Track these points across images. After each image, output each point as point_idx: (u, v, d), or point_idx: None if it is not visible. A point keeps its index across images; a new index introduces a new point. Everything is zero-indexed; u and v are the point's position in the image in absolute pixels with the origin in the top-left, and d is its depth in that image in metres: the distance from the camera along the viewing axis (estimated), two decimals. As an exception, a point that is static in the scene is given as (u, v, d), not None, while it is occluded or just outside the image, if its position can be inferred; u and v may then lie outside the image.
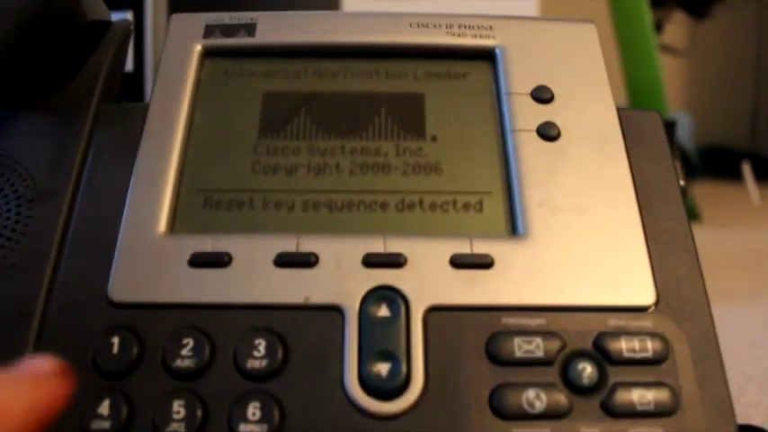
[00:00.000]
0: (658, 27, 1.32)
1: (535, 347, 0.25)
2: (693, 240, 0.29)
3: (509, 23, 0.34)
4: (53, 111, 0.31)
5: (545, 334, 0.25)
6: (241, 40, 0.33)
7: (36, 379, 0.20)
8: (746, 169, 1.19)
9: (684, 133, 1.28)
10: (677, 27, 1.45)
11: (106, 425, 0.24)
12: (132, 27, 0.37)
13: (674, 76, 1.52)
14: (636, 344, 0.25)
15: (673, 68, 1.45)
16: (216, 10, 0.34)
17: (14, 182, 0.29)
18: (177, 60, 0.32)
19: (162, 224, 0.28)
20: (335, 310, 0.26)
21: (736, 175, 1.32)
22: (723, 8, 1.38)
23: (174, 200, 0.28)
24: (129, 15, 0.53)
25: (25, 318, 0.26)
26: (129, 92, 0.54)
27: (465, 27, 0.34)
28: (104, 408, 0.24)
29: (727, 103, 1.67)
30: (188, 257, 0.27)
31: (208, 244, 0.27)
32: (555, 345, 0.25)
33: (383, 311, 0.25)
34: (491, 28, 0.34)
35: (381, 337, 0.25)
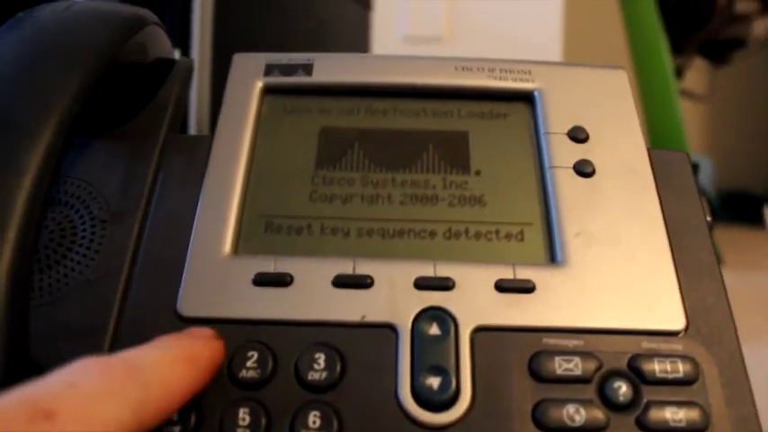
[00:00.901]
0: (679, 73, 1.35)
1: (574, 366, 0.27)
2: (720, 270, 0.30)
3: (546, 68, 0.36)
4: (125, 139, 0.34)
5: (583, 354, 0.27)
6: (299, 79, 0.35)
7: (206, 338, 0.26)
8: (767, 214, 1.21)
9: (705, 178, 1.30)
10: (697, 73, 1.47)
11: (176, 430, 0.26)
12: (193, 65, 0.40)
13: (694, 121, 1.54)
14: (668, 365, 0.27)
15: (693, 114, 1.47)
16: (255, 50, 0.37)
17: (89, 204, 0.32)
18: (240, 96, 0.35)
19: (227, 246, 0.30)
20: (389, 328, 0.28)
21: (756, 220, 1.33)
22: (742, 55, 1.41)
23: (238, 224, 0.31)
24: (177, 53, 0.56)
25: (99, 329, 0.29)
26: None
27: (505, 71, 0.36)
28: (174, 415, 0.26)
29: (746, 148, 1.68)
30: (252, 277, 0.29)
31: (270, 265, 0.29)
32: (592, 365, 0.27)
33: (434, 330, 0.27)
34: (530, 72, 0.36)
35: (433, 354, 0.27)
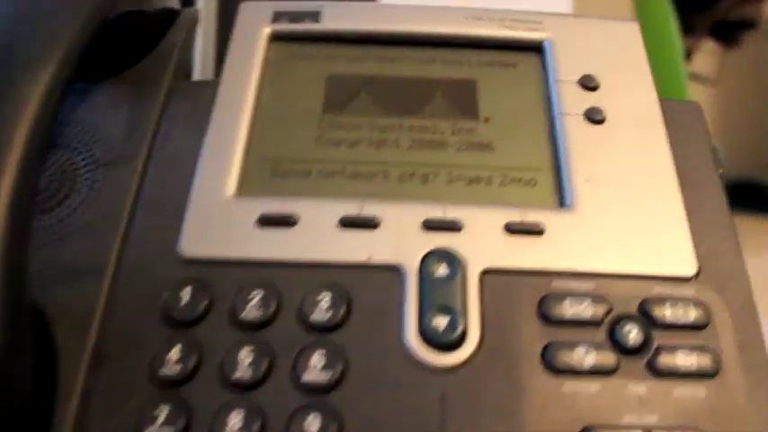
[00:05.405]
0: (688, 55, 1.33)
1: (584, 309, 0.26)
2: (732, 218, 0.30)
3: (557, 19, 0.36)
4: (129, 84, 0.33)
5: (593, 297, 0.27)
6: (306, 26, 0.35)
7: None
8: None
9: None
10: (706, 55, 1.46)
11: (176, 369, 0.25)
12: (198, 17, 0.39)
13: (703, 104, 1.52)
14: (679, 310, 0.27)
15: (701, 97, 1.45)
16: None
17: (91, 146, 0.31)
18: (246, 43, 0.34)
19: (231, 187, 0.29)
20: (396, 270, 0.27)
21: (766, 208, 1.31)
22: (753, 37, 1.40)
23: (243, 166, 0.30)
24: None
25: (99, 270, 0.28)
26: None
27: (516, 21, 0.35)
28: (174, 354, 0.26)
29: (756, 133, 1.67)
30: (256, 218, 0.28)
31: (275, 206, 0.29)
32: (602, 308, 0.26)
33: (442, 270, 0.27)
34: (540, 22, 0.35)
35: (440, 294, 0.26)
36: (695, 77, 1.38)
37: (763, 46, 1.47)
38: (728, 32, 1.40)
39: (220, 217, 0.29)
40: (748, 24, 1.36)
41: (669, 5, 1.12)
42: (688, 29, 1.26)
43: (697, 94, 1.31)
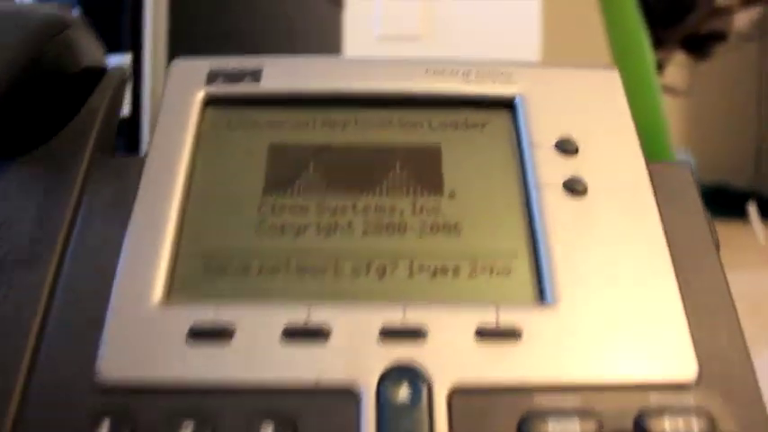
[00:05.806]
0: (659, 67, 1.31)
1: (572, 430, 0.23)
2: (733, 301, 0.26)
3: (529, 71, 0.32)
4: (41, 163, 0.29)
5: (581, 414, 0.23)
6: (246, 88, 0.31)
7: None
8: (752, 209, 1.17)
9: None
10: (677, 68, 1.44)
11: None
12: (128, 74, 0.35)
13: (675, 115, 1.51)
14: (680, 423, 0.23)
15: (673, 109, 1.44)
16: (214, 54, 0.32)
17: (-4, 243, 0.27)
18: (177, 109, 0.30)
19: (158, 292, 0.25)
20: (350, 393, 0.23)
21: (739, 215, 1.30)
22: (723, 49, 1.38)
23: (172, 265, 0.26)
24: (127, 58, 0.51)
25: (1, 400, 0.24)
26: (126, 138, 0.52)
27: (482, 74, 0.32)
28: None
29: (728, 142, 1.66)
30: (186, 330, 0.24)
31: (208, 315, 0.24)
32: (593, 426, 0.23)
33: (403, 394, 0.23)
34: (510, 75, 0.32)
35: (402, 422, 0.22)
36: (667, 89, 1.36)
37: (733, 57, 1.45)
38: (699, 45, 1.38)
39: (145, 331, 0.24)
40: (718, 36, 1.35)
41: (639, 20, 1.10)
42: (659, 42, 1.23)
43: (669, 105, 1.29)
